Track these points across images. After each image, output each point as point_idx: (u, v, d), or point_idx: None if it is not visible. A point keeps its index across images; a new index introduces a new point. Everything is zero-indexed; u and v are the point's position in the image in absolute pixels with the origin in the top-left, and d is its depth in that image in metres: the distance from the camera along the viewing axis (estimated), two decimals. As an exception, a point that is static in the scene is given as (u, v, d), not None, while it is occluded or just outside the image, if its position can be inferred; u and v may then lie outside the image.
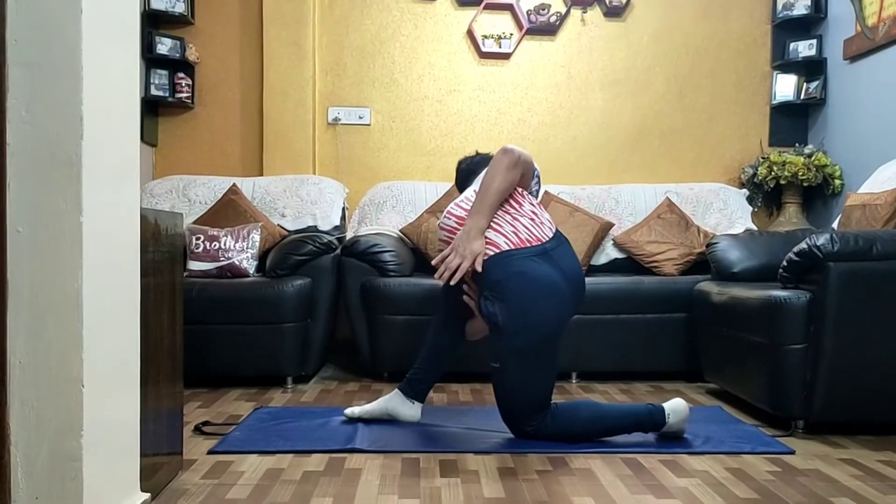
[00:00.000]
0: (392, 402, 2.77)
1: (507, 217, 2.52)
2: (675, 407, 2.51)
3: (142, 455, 1.79)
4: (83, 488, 1.42)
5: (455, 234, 2.58)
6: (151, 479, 1.95)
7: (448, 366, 2.82)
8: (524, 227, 2.51)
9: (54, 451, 1.41)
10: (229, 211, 4.01)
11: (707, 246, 3.71)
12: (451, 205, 2.70)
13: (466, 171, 3.02)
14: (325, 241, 3.67)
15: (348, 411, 2.78)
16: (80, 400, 1.42)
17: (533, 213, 2.57)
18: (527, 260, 2.44)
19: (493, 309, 2.43)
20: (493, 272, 2.45)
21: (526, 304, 2.41)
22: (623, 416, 2.55)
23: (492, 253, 2.45)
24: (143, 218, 1.85)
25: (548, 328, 2.45)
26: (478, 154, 3.09)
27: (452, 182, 3.28)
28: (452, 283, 2.47)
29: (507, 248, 2.45)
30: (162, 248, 2.03)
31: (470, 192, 2.68)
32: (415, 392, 2.77)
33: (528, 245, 2.47)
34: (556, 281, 2.45)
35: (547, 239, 2.51)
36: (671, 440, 2.54)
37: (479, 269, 2.44)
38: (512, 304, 2.41)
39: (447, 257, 2.49)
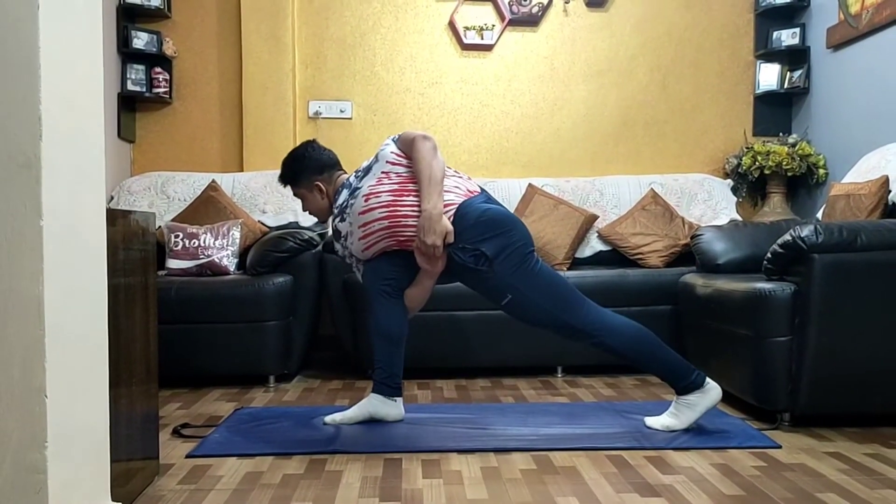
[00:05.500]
0: (373, 406, 2.72)
1: (447, 183, 2.65)
2: (712, 385, 2.58)
3: (114, 461, 1.74)
4: (48, 501, 1.37)
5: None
6: (125, 486, 1.90)
7: (407, 349, 2.78)
8: (461, 182, 2.71)
9: (17, 464, 1.36)
10: (209, 208, 3.95)
11: (692, 237, 3.68)
12: (397, 202, 2.61)
13: (317, 164, 2.87)
14: (307, 237, 3.63)
15: (329, 419, 2.73)
16: (44, 410, 1.36)
17: (455, 172, 2.76)
18: (483, 203, 2.66)
19: (478, 250, 2.56)
20: (462, 222, 2.59)
21: (503, 230, 2.59)
22: (675, 361, 2.59)
23: (453, 209, 2.60)
24: (112, 218, 1.80)
25: (526, 243, 2.62)
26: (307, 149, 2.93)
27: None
28: (439, 264, 2.62)
29: (461, 199, 2.63)
30: (133, 249, 1.98)
31: (381, 189, 2.62)
32: (391, 390, 2.73)
33: (474, 194, 2.68)
34: (507, 211, 2.71)
35: (480, 189, 2.73)
36: (658, 434, 2.52)
37: (451, 240, 2.57)
38: (491, 235, 2.57)
39: (420, 247, 2.58)
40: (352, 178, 2.78)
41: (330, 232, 3.89)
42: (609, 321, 2.59)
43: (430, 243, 2.54)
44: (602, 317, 2.59)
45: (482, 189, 2.74)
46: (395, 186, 2.62)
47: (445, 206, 2.58)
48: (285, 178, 2.92)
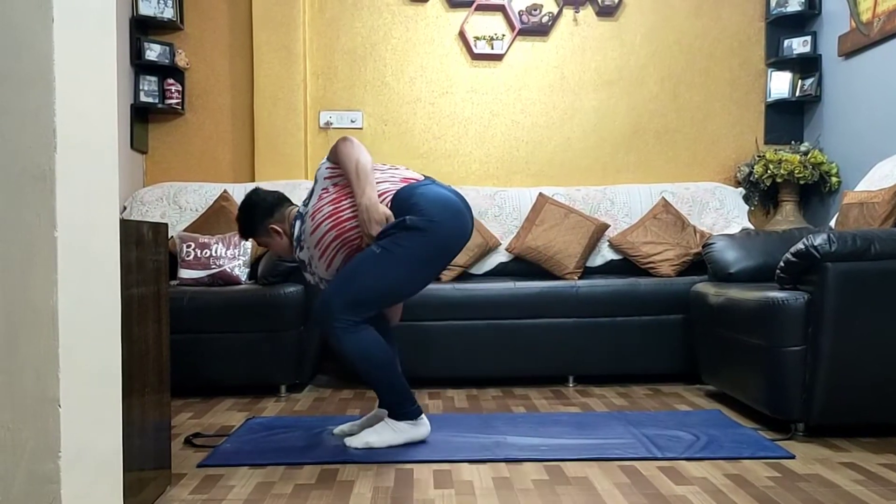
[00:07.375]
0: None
1: (379, 175, 2.66)
2: (424, 422, 2.61)
3: (127, 471, 1.74)
4: (62, 511, 1.37)
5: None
6: (138, 495, 1.91)
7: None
8: (399, 175, 2.70)
9: (31, 474, 1.36)
10: (220, 218, 3.97)
11: (703, 246, 3.66)
12: (338, 208, 2.62)
13: (265, 208, 2.86)
14: (318, 247, 3.63)
15: (337, 430, 2.71)
16: (58, 420, 1.37)
17: (392, 167, 2.76)
18: (421, 186, 2.64)
19: (403, 219, 2.54)
20: (398, 203, 2.58)
21: (432, 210, 2.55)
22: (393, 389, 2.59)
23: (390, 195, 2.60)
24: (126, 229, 1.81)
25: (445, 238, 2.58)
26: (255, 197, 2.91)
27: (446, 184, 2.96)
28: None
29: (398, 187, 2.63)
30: (145, 259, 1.99)
31: (322, 203, 2.64)
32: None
33: (411, 181, 2.67)
34: (450, 196, 2.65)
35: (424, 177, 2.72)
36: (671, 445, 2.50)
37: (392, 219, 2.56)
38: (420, 211, 2.54)
39: (369, 244, 2.57)
40: (301, 209, 2.77)
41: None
42: (363, 338, 2.54)
43: (375, 234, 2.53)
44: (348, 337, 2.53)
45: (427, 177, 2.74)
46: (334, 196, 2.64)
47: (381, 194, 2.59)
48: (244, 233, 2.91)
